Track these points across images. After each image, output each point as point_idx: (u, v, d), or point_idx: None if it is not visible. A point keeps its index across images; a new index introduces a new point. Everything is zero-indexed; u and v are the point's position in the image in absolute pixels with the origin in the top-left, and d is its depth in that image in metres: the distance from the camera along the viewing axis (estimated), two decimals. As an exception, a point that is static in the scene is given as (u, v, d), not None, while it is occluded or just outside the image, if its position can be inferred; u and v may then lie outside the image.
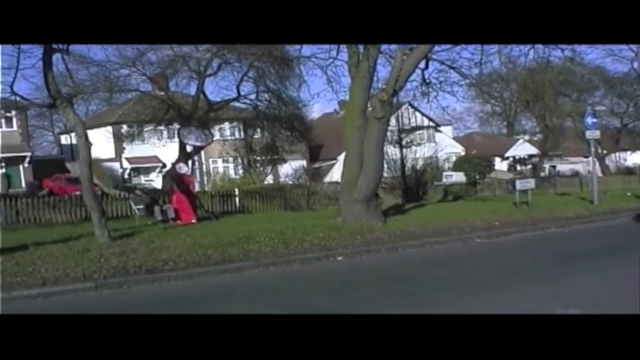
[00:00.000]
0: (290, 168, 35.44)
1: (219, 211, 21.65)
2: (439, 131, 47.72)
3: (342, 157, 18.89)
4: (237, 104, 28.24)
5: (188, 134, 19.77)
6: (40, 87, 24.39)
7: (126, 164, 39.96)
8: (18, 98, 14.93)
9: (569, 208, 18.72)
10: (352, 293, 8.41)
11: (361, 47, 15.71)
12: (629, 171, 46.28)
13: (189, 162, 21.73)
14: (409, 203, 22.73)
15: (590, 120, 21.43)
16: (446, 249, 12.83)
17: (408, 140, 28.74)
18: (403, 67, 14.99)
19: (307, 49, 20.98)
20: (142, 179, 39.65)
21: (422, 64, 17.51)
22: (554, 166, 52.77)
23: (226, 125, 39.31)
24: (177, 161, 20.52)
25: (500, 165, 51.51)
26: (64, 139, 46.20)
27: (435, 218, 15.95)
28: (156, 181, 36.90)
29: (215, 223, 16.73)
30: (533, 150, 49.80)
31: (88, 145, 13.30)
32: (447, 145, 42.07)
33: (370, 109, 16.19)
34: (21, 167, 36.05)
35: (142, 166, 40.04)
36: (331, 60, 18.43)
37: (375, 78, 16.85)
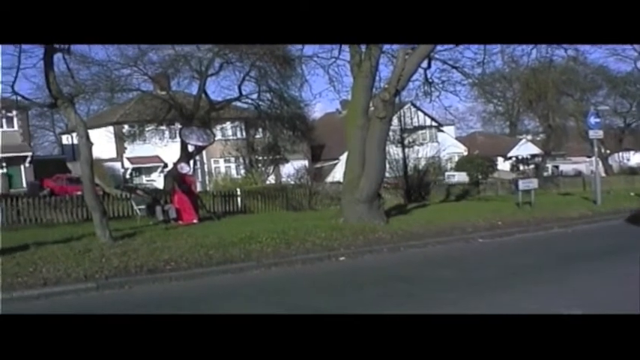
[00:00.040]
0: (292, 168, 35.40)
1: (220, 211, 21.63)
2: (441, 131, 47.71)
3: (344, 157, 18.83)
4: (238, 104, 28.25)
5: (190, 134, 19.74)
6: (41, 87, 24.24)
7: (127, 164, 39.97)
8: (19, 98, 14.91)
9: (572, 208, 18.65)
10: (354, 293, 8.38)
11: (363, 47, 15.66)
12: (633, 171, 46.21)
13: (191, 162, 21.72)
14: (411, 203, 22.70)
15: (593, 120, 21.34)
16: (448, 249, 12.78)
17: (411, 140, 28.68)
18: (405, 66, 14.95)
19: (309, 49, 21.04)
20: (144, 179, 39.66)
21: (424, 64, 17.46)
22: (557, 166, 52.68)
23: (228, 125, 39.29)
24: (179, 161, 20.49)
25: (503, 165, 51.50)
26: (65, 139, 46.22)
27: (438, 218, 15.91)
28: (157, 181, 36.95)
29: (217, 224, 16.70)
30: (536, 150, 49.74)
31: (90, 144, 13.27)
32: (449, 145, 42.04)
33: (372, 108, 16.15)
34: (22, 167, 36.05)
35: (143, 166, 40.05)
36: (333, 59, 18.41)
37: (377, 77, 16.82)
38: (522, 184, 20.01)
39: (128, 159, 39.84)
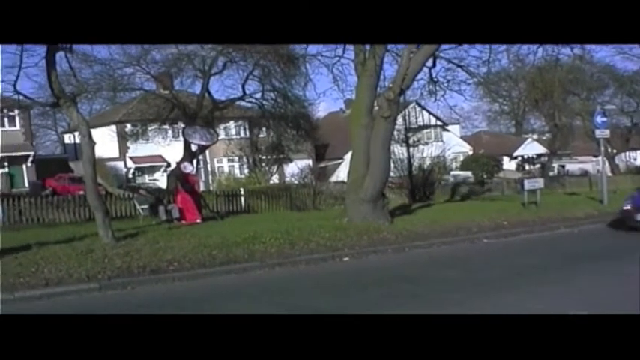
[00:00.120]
0: (296, 167, 35.34)
1: (224, 211, 21.58)
2: (447, 130, 47.55)
3: (348, 157, 18.79)
4: (242, 103, 28.15)
5: (193, 133, 19.68)
6: (44, 86, 24.34)
7: (130, 164, 39.96)
8: (21, 97, 14.90)
9: (579, 208, 18.57)
10: (358, 294, 8.34)
11: (368, 46, 15.59)
12: (639, 170, 45.98)
13: (194, 161, 21.67)
14: (416, 203, 22.63)
15: (599, 119, 21.23)
16: (453, 249, 12.73)
17: (415, 139, 28.54)
18: (410, 65, 14.87)
19: (313, 48, 20.89)
20: (147, 179, 39.64)
21: (429, 63, 17.39)
22: (563, 166, 52.54)
23: (231, 124, 39.25)
24: (182, 160, 20.42)
25: (509, 164, 51.37)
26: (68, 139, 46.20)
27: (443, 218, 15.84)
28: (160, 180, 36.89)
29: (220, 223, 16.65)
30: (542, 149, 49.61)
31: (92, 144, 13.23)
32: (454, 145, 41.93)
33: (377, 107, 16.08)
34: (24, 167, 36.02)
35: (146, 166, 40.02)
36: (337, 58, 18.37)
37: (381, 76, 16.77)
38: (528, 184, 19.93)
39: (131, 158, 39.84)
